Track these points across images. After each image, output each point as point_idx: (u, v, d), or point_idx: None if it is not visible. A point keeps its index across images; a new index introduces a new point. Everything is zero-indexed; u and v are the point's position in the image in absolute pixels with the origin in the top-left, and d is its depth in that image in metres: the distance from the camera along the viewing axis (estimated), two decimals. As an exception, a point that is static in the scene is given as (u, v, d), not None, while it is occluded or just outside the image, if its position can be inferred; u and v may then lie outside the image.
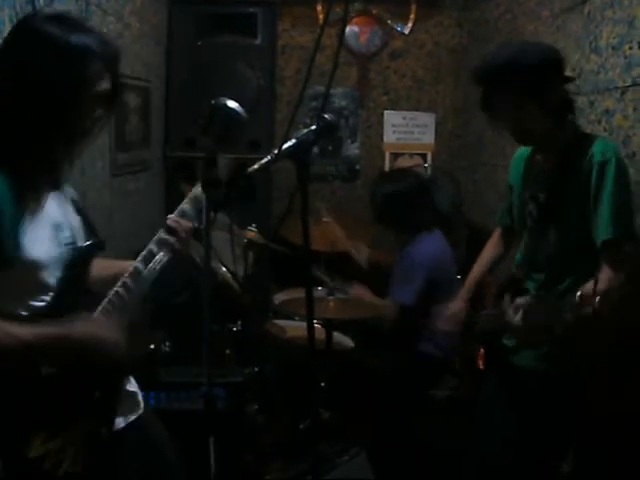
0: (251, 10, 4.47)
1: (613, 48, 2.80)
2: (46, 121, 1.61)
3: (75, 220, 1.82)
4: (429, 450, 3.28)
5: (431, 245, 3.55)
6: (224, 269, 3.37)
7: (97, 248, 1.84)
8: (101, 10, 3.17)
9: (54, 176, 1.74)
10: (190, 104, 4.24)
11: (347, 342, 3.68)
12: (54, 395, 1.62)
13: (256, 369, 3.19)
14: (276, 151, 1.68)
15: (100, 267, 1.91)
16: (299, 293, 3.62)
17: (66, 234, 1.73)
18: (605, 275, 2.05)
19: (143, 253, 1.90)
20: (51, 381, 1.62)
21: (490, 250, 2.75)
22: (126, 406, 1.88)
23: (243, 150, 4.06)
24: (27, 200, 1.62)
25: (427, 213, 3.64)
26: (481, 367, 2.47)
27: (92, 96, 1.66)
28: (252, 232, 3.54)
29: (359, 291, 3.69)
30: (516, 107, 2.20)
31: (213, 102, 1.77)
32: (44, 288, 1.66)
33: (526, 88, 2.17)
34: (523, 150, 2.47)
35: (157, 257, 1.90)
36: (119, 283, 1.82)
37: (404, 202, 3.57)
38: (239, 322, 3.46)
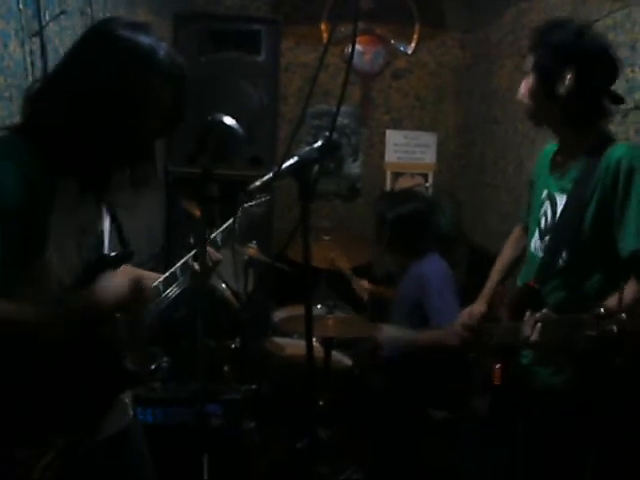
0: (255, 27, 4.48)
1: (615, 71, 2.80)
2: (104, 124, 1.59)
3: (106, 228, 1.81)
4: (428, 470, 3.25)
5: (442, 265, 3.49)
6: (224, 285, 3.37)
7: (123, 259, 1.82)
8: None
9: (99, 183, 1.70)
10: (192, 120, 4.25)
11: (345, 360, 3.66)
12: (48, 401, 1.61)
13: (254, 386, 3.18)
14: (278, 168, 1.66)
15: (122, 272, 1.86)
16: (298, 311, 3.61)
17: (91, 240, 1.73)
18: (632, 288, 1.99)
19: (165, 275, 1.89)
20: (48, 385, 1.60)
21: (509, 252, 2.63)
22: (114, 415, 1.82)
23: (244, 167, 4.06)
24: (64, 200, 1.60)
25: (432, 234, 3.60)
26: (497, 383, 2.40)
27: (156, 108, 1.65)
28: (252, 249, 3.54)
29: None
30: (553, 79, 2.10)
31: (210, 118, 1.77)
32: (60, 288, 1.63)
33: (582, 68, 2.08)
34: (551, 147, 2.37)
35: (171, 287, 1.89)
36: None
37: (416, 224, 3.52)
38: (238, 339, 3.45)
